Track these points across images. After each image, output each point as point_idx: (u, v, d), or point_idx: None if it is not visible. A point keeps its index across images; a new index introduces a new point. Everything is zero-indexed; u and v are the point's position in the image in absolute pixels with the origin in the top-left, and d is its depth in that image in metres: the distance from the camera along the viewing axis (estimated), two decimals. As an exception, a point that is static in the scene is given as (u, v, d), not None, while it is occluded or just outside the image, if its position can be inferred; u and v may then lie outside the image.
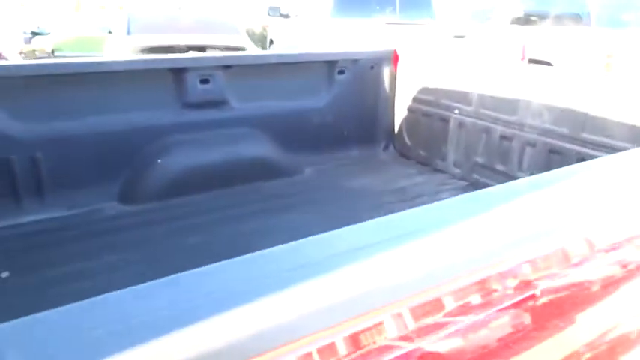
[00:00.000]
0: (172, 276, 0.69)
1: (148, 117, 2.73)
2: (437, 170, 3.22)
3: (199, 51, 6.56)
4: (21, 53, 7.47)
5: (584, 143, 2.33)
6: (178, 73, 2.74)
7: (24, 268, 2.09)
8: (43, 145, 2.49)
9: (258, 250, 2.53)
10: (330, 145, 3.35)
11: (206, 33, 7.05)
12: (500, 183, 2.77)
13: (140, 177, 2.71)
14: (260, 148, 3.02)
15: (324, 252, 0.79)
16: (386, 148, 3.55)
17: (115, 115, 2.65)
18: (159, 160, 2.72)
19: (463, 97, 2.95)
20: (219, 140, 2.90)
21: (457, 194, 2.85)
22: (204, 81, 2.81)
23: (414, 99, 3.30)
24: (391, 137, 3.53)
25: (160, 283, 0.69)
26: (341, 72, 3.26)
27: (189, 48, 6.50)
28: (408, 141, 3.43)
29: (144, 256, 2.20)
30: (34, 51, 8.13)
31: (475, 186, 2.93)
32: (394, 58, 3.36)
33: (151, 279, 2.17)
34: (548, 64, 7.11)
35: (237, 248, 2.40)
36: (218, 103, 2.89)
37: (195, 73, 2.77)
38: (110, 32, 7.80)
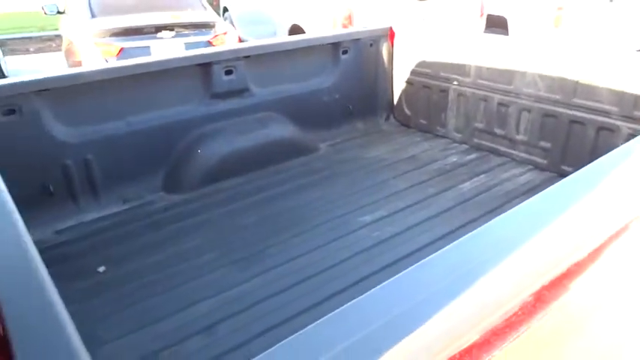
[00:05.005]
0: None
1: (183, 111, 2.91)
2: (437, 136, 3.58)
3: (168, 30, 6.54)
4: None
5: (576, 107, 2.74)
6: (206, 67, 2.92)
7: (108, 261, 2.30)
8: (92, 147, 2.65)
9: (317, 221, 2.97)
10: (338, 121, 3.64)
11: (172, 10, 6.97)
12: (499, 145, 3.18)
13: (182, 167, 2.92)
14: (283, 129, 3.27)
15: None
16: (387, 118, 3.87)
17: (153, 113, 2.82)
18: (199, 150, 2.93)
19: (461, 70, 3.28)
20: (248, 126, 3.13)
21: (463, 157, 3.24)
22: (229, 72, 3.01)
23: (413, 72, 3.61)
24: (391, 108, 3.85)
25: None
26: (344, 52, 3.51)
27: (158, 27, 6.47)
28: (407, 111, 3.76)
29: (210, 241, 2.44)
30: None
31: (476, 148, 3.32)
32: (391, 35, 3.64)
33: (227, 263, 2.61)
34: (503, 18, 7.59)
35: (295, 221, 2.78)
36: (241, 92, 3.10)
37: (220, 65, 2.96)
38: (60, 12, 7.53)
